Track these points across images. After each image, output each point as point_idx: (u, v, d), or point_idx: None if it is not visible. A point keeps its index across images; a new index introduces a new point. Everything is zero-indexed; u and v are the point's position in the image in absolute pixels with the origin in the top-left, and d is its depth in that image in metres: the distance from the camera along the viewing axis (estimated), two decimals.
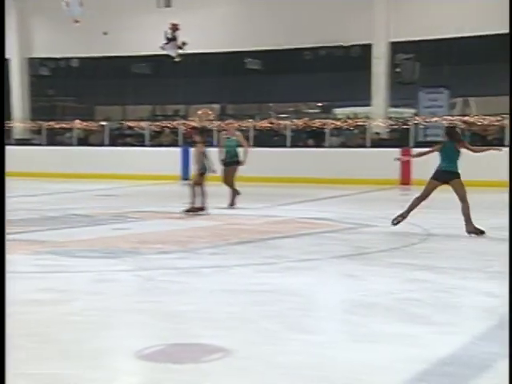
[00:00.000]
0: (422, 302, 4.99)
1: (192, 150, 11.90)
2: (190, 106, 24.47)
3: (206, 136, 11.87)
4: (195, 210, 10.64)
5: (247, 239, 8.14)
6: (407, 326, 4.37)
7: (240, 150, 12.05)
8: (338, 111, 23.11)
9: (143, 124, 21.65)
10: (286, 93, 22.62)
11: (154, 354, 3.72)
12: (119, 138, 21.90)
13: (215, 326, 4.32)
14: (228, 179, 11.90)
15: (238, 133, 12.50)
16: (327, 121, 19.28)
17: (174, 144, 20.33)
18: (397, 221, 8.66)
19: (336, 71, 21.15)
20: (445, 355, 3.75)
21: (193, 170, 11.53)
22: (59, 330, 4.20)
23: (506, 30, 17.79)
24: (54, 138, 22.32)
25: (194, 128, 12.85)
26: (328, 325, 4.56)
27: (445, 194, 13.25)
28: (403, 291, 5.36)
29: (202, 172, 10.89)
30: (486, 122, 16.37)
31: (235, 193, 11.78)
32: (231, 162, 11.96)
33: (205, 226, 9.33)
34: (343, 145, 19.24)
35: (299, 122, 19.51)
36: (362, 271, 6.14)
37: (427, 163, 16.10)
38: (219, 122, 19.43)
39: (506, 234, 8.19)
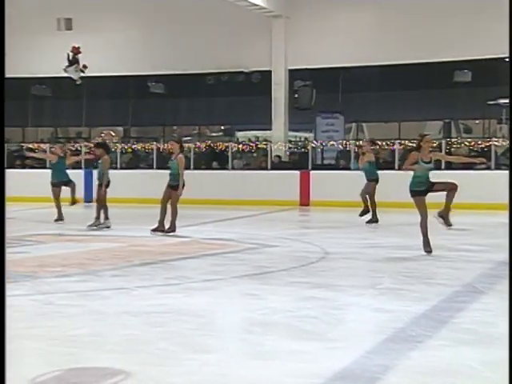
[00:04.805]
0: (318, 319, 5.14)
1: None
2: (93, 129, 24.18)
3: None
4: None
5: (149, 260, 8.13)
6: (303, 342, 4.49)
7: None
8: (240, 134, 23.50)
9: (44, 146, 21.14)
10: (189, 116, 22.84)
11: (49, 381, 3.67)
12: (18, 160, 21.26)
13: (113, 349, 4.31)
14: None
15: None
16: (230, 143, 19.57)
17: (76, 166, 19.98)
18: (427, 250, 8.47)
19: (237, 96, 21.62)
20: (338, 369, 3.88)
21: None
22: None
23: (392, 62, 19.03)
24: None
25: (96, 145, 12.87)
26: (225, 343, 4.64)
27: (341, 213, 13.73)
28: (300, 309, 5.51)
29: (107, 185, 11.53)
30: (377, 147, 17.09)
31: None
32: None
33: (106, 248, 9.23)
34: (245, 167, 19.56)
35: (202, 145, 19.70)
36: (262, 290, 6.26)
37: (325, 186, 16.76)
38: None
39: (399, 252, 8.61)
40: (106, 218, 11.62)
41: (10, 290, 6.15)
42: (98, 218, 11.58)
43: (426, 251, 8.41)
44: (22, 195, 17.96)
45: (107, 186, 11.61)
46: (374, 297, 6.01)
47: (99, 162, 11.87)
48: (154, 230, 10.67)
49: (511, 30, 8.69)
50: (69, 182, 13.05)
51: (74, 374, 3.81)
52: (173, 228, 10.76)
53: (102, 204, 11.60)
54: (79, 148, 20.67)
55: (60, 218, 12.70)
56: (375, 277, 7.09)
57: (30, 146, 21.42)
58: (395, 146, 17.63)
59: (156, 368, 3.93)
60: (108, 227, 11.52)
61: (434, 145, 7.98)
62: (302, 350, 4.31)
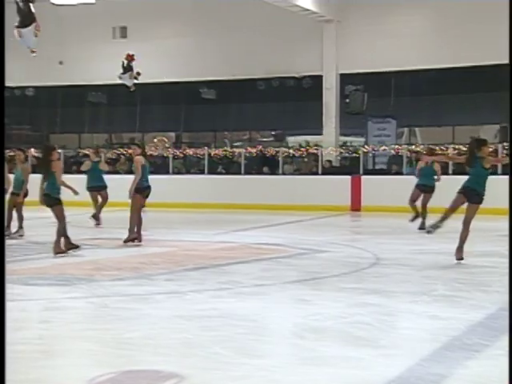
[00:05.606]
0: (370, 326, 5.10)
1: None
2: (146, 134, 24.55)
3: None
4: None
5: (202, 265, 8.20)
6: (355, 349, 4.47)
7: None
8: (291, 139, 23.50)
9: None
10: (240, 121, 22.98)
11: (105, 383, 3.74)
12: (74, 165, 21.73)
13: (167, 352, 4.37)
14: None
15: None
16: (280, 149, 19.59)
17: (130, 171, 20.31)
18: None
19: (288, 101, 21.65)
20: (392, 377, 3.85)
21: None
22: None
23: (445, 65, 18.82)
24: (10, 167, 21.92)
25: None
26: (277, 349, 4.65)
27: (392, 219, 13.54)
28: (352, 315, 5.47)
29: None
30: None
31: None
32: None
33: (160, 253, 9.36)
34: (296, 172, 19.54)
35: (253, 150, 19.77)
36: (313, 296, 6.25)
37: (376, 191, 16.60)
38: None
39: (449, 259, 8.47)
40: (20, 227, 11.18)
41: (66, 292, 6.35)
42: (20, 226, 11.21)
43: (459, 258, 8.15)
44: (78, 200, 18.35)
45: (25, 195, 11.22)
46: (428, 304, 5.93)
47: (18, 169, 11.46)
48: (125, 242, 10.05)
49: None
50: (102, 189, 13.04)
51: (128, 377, 3.88)
52: (136, 236, 10.09)
53: (18, 212, 11.18)
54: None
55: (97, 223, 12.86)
56: (428, 283, 6.99)
57: (86, 151, 21.85)
58: (449, 151, 17.33)
59: (209, 372, 3.96)
60: (21, 236, 11.04)
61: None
62: (355, 357, 4.28)
